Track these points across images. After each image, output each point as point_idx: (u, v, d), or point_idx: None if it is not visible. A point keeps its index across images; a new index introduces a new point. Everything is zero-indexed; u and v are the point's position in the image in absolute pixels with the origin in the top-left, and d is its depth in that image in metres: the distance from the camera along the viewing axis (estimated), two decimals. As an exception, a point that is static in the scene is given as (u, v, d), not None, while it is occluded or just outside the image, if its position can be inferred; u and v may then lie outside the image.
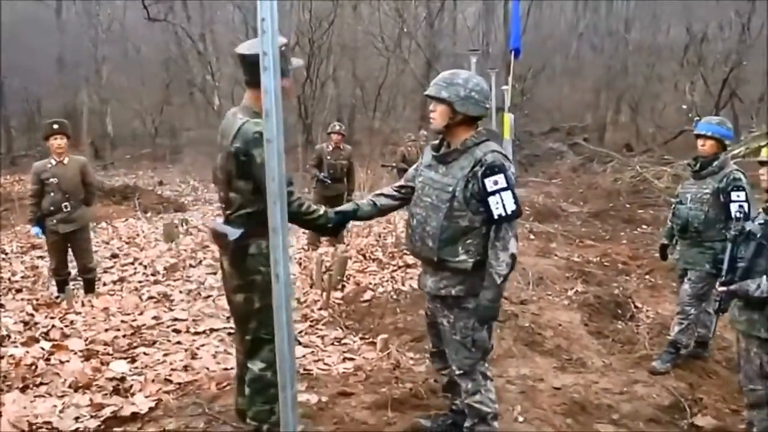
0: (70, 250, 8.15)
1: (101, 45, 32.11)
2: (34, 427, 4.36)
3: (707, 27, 27.84)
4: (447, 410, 4.44)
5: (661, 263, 7.66)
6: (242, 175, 3.69)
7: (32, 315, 6.91)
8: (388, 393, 4.90)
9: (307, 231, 9.39)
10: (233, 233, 3.74)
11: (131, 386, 5.02)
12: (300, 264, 9.27)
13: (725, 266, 4.16)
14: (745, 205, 5.34)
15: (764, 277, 3.90)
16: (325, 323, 6.90)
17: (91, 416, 4.49)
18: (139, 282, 9.02)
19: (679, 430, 4.84)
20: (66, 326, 6.50)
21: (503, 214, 3.60)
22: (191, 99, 34.01)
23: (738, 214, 5.06)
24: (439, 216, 3.72)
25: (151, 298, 7.92)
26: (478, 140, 3.74)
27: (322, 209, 3.96)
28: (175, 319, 6.84)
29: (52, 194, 7.80)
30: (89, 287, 8.26)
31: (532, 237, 11.77)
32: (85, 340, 6.02)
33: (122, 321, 6.69)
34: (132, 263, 10.32)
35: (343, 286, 8.07)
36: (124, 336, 6.24)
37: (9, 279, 9.15)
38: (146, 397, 4.81)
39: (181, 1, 31.02)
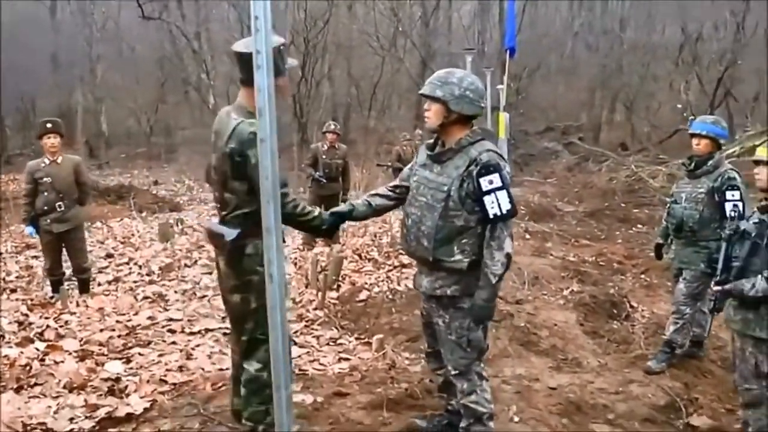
0: (64, 249, 8.12)
1: (96, 44, 32.04)
2: (28, 427, 4.34)
3: (702, 26, 27.89)
4: (442, 410, 4.43)
5: (656, 263, 7.67)
6: (237, 175, 3.68)
7: (27, 315, 6.89)
8: (384, 393, 4.89)
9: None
10: (230, 233, 3.72)
11: (126, 387, 5.00)
12: (295, 264, 9.26)
13: (720, 265, 4.16)
14: (740, 204, 5.34)
15: (759, 276, 3.89)
16: (320, 323, 6.89)
17: (86, 417, 4.48)
18: (134, 282, 8.99)
19: (674, 429, 4.85)
20: (61, 326, 6.49)
21: (498, 213, 3.60)
22: (186, 98, 34.00)
23: (733, 213, 5.04)
24: (435, 215, 3.71)
25: (146, 298, 7.89)
26: (473, 139, 3.74)
27: (316, 211, 3.96)
28: (170, 320, 6.82)
29: (45, 194, 7.78)
30: (84, 287, 8.23)
31: (527, 236, 11.76)
32: (80, 341, 6.00)
33: (117, 321, 6.66)
34: (127, 263, 10.30)
35: (339, 286, 8.05)
36: (119, 336, 6.22)
37: (3, 279, 9.11)
38: (141, 397, 4.80)
39: (175, -1, 31.03)
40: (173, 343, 6.14)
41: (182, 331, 6.48)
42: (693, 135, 5.75)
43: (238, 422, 4.13)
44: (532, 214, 14.06)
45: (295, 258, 9.65)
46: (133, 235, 13.18)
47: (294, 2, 26.85)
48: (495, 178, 3.61)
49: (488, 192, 3.60)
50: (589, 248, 10.97)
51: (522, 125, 25.53)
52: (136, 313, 6.99)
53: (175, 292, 8.22)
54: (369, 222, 10.50)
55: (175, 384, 5.11)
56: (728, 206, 5.34)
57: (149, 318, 6.81)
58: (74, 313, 6.99)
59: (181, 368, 5.45)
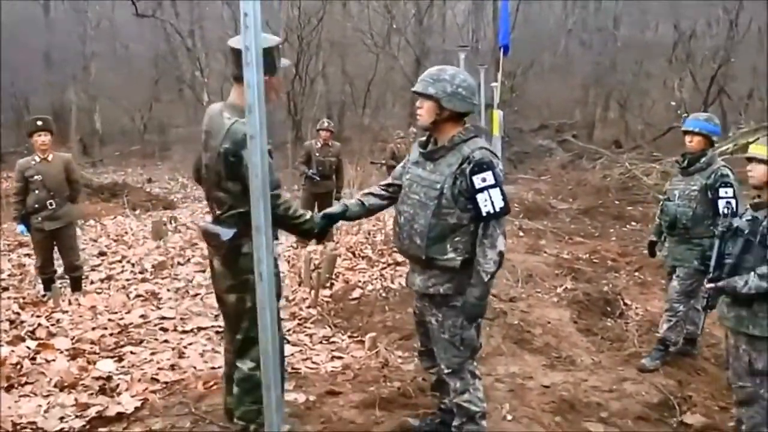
0: (56, 248, 8.09)
1: (90, 42, 31.93)
2: (18, 427, 4.33)
3: (695, 24, 27.94)
4: (435, 409, 4.41)
5: (650, 260, 7.66)
6: (231, 175, 3.66)
7: (18, 314, 6.87)
8: (377, 392, 4.88)
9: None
10: (226, 233, 3.71)
11: (117, 386, 4.98)
12: (288, 262, 9.24)
13: (713, 263, 4.15)
14: (733, 201, 5.34)
15: (752, 273, 3.89)
16: (313, 321, 6.87)
17: (76, 416, 4.45)
18: (127, 280, 8.96)
19: (668, 427, 4.85)
20: (52, 325, 6.46)
21: (491, 211, 3.58)
22: (180, 96, 33.97)
23: (726, 211, 5.05)
24: (427, 213, 3.69)
25: (138, 296, 7.87)
26: (466, 137, 3.72)
27: (308, 214, 3.94)
28: (163, 318, 6.80)
29: (36, 192, 7.75)
30: (76, 285, 8.21)
31: (521, 234, 11.77)
32: (72, 339, 5.98)
33: (109, 319, 6.65)
34: (120, 261, 10.27)
35: (332, 284, 8.04)
36: (111, 335, 6.20)
37: (-5, 277, 9.09)
38: (132, 396, 4.78)
39: (169, -2, 30.98)
40: (165, 341, 6.12)
41: (175, 330, 6.46)
42: (686, 132, 5.75)
43: (230, 421, 4.11)
44: (526, 212, 14.08)
45: (289, 256, 9.64)
46: (126, 233, 13.15)
47: (288, 0, 26.81)
48: (488, 175, 3.59)
49: (481, 190, 3.58)
50: (582, 246, 10.98)
51: (516, 123, 25.50)
52: (128, 312, 6.97)
53: (168, 290, 8.19)
54: (363, 220, 10.48)
55: (166, 383, 5.09)
56: (721, 203, 5.35)
57: (141, 316, 6.79)
58: (66, 312, 6.97)
59: (173, 367, 5.43)
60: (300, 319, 6.93)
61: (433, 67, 3.90)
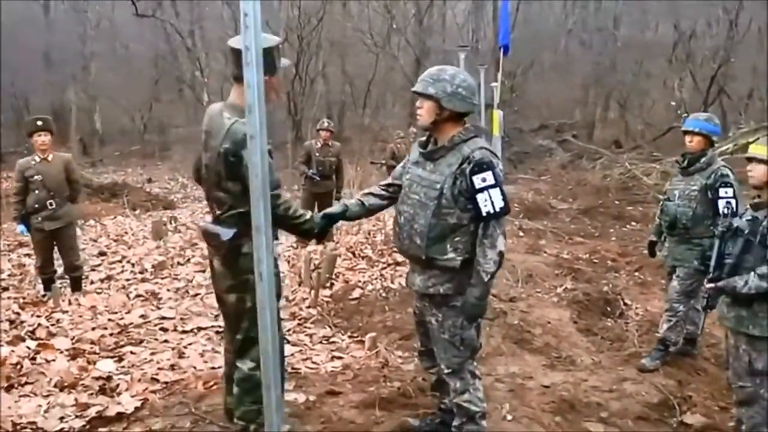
0: (56, 248, 8.09)
1: (90, 42, 31.94)
2: (18, 427, 4.32)
3: (695, 24, 27.94)
4: (435, 409, 4.41)
5: (650, 260, 7.66)
6: (232, 176, 3.66)
7: (18, 314, 6.87)
8: (376, 392, 4.88)
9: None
10: (226, 233, 3.70)
11: (117, 386, 4.98)
12: (289, 262, 9.24)
13: (713, 263, 4.15)
14: (733, 201, 5.34)
15: (752, 273, 3.89)
16: (313, 321, 6.87)
17: (76, 416, 4.45)
18: (127, 280, 8.96)
19: (668, 427, 4.84)
20: (52, 325, 6.46)
21: (491, 211, 3.58)
22: (180, 95, 33.95)
23: (725, 211, 5.05)
24: (427, 213, 3.69)
25: (138, 296, 7.87)
26: (466, 137, 3.72)
27: (308, 214, 3.93)
28: (163, 318, 6.79)
29: (36, 192, 7.74)
30: (76, 285, 8.21)
31: (521, 234, 11.77)
32: (72, 339, 5.98)
33: (109, 319, 6.64)
34: (120, 261, 10.27)
35: (332, 284, 8.04)
36: (111, 335, 6.20)
37: (-4, 277, 9.09)
38: (132, 396, 4.77)
39: (169, -2, 30.97)
40: (165, 341, 6.12)
41: (174, 330, 6.46)
42: (686, 132, 5.75)
43: (230, 421, 4.10)
44: (526, 212, 14.07)
45: (289, 256, 9.64)
46: (126, 233, 13.16)
47: (288, 0, 26.81)
48: (488, 175, 3.59)
49: (481, 190, 3.58)
50: (582, 246, 10.98)
51: (516, 123, 25.49)
52: (128, 312, 6.96)
53: (168, 290, 8.18)
54: (363, 219, 10.48)
55: (166, 383, 5.09)
56: (721, 203, 5.35)
57: (141, 316, 6.79)
58: (66, 312, 6.97)
59: (173, 367, 5.43)
60: (300, 319, 6.92)
61: (433, 67, 3.90)
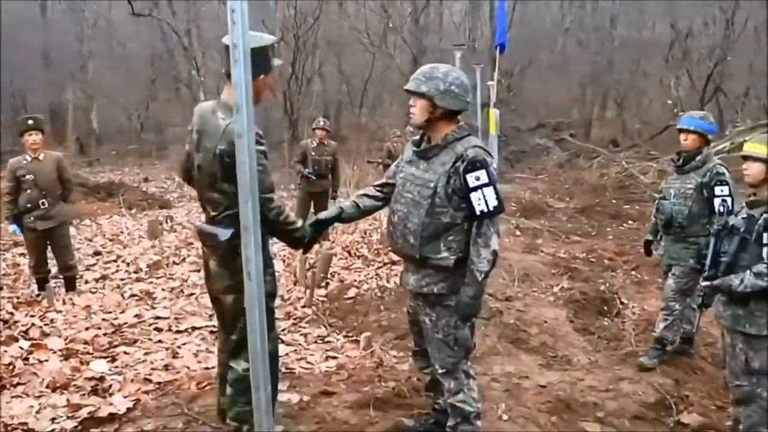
0: (49, 247, 8.06)
1: (87, 41, 31.94)
2: (9, 428, 4.29)
3: (692, 23, 27.97)
4: (430, 409, 4.38)
5: (647, 259, 7.64)
6: (227, 177, 3.62)
7: (12, 313, 6.83)
8: (371, 392, 4.86)
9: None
10: (223, 234, 3.67)
11: (110, 386, 4.95)
12: (284, 261, 9.21)
13: (708, 261, 4.13)
14: (729, 199, 5.33)
15: (748, 272, 3.87)
16: (308, 321, 6.85)
17: (68, 417, 4.42)
18: (122, 280, 8.95)
19: (665, 427, 4.82)
20: (46, 325, 6.44)
21: (485, 210, 3.55)
22: (177, 95, 33.90)
23: (721, 209, 5.05)
24: (421, 212, 3.66)
25: (133, 296, 7.85)
26: (460, 135, 3.69)
27: (299, 222, 3.90)
28: (157, 318, 6.78)
29: (28, 191, 7.71)
30: (70, 285, 8.18)
31: (518, 233, 11.75)
32: (65, 339, 5.96)
33: (103, 319, 6.62)
34: (115, 261, 10.26)
35: (327, 283, 8.01)
36: (104, 334, 6.18)
37: (-10, 277, 9.06)
38: (125, 397, 4.74)
39: (166, -3, 30.93)
40: (159, 341, 6.10)
41: (169, 330, 6.44)
42: (681, 130, 5.73)
43: (223, 422, 4.07)
44: (522, 211, 14.04)
45: (284, 255, 9.61)
46: (122, 232, 13.14)
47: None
48: (482, 174, 3.56)
49: (475, 188, 3.55)
50: (579, 245, 10.96)
51: (513, 122, 25.53)
52: (122, 311, 6.95)
53: (163, 289, 8.17)
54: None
55: (159, 383, 5.06)
56: (717, 202, 5.34)
57: (136, 316, 6.77)
58: (60, 311, 6.95)
59: (166, 367, 5.41)
60: (295, 319, 6.91)
61: (426, 65, 3.87)
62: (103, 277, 9.13)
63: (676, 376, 5.56)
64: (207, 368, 5.30)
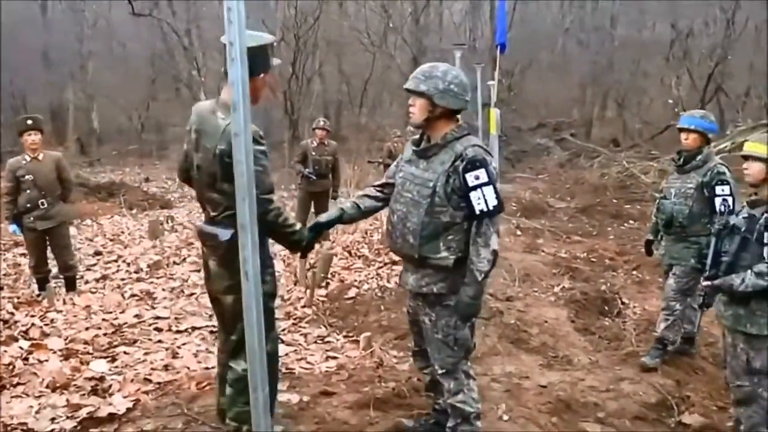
0: (50, 247, 8.06)
1: (87, 41, 31.95)
2: (8, 428, 4.29)
3: (692, 22, 27.94)
4: (430, 410, 4.37)
5: (648, 259, 7.63)
6: (227, 177, 3.61)
7: (12, 313, 6.82)
8: (371, 392, 4.85)
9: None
10: (224, 234, 3.66)
11: (110, 386, 4.94)
12: (284, 261, 9.20)
13: (709, 261, 4.13)
14: (730, 199, 5.32)
15: (749, 271, 3.86)
16: (308, 321, 6.84)
17: (67, 417, 4.42)
18: (122, 279, 8.94)
19: (666, 427, 4.81)
20: (46, 325, 6.43)
21: (485, 209, 3.53)
22: (177, 95, 33.88)
23: (722, 208, 5.03)
24: (420, 212, 3.65)
25: (133, 295, 7.84)
26: (459, 134, 3.68)
27: (298, 225, 3.89)
28: (157, 318, 6.77)
29: (28, 191, 7.71)
30: (70, 285, 8.18)
31: (518, 233, 11.74)
32: (65, 339, 5.95)
33: (103, 319, 6.61)
34: (116, 260, 10.25)
35: (328, 283, 8.00)
36: (104, 334, 6.17)
37: (-9, 277, 9.06)
38: (124, 397, 4.74)
39: (166, -3, 30.93)
40: (159, 341, 6.09)
41: (169, 329, 6.43)
42: (681, 130, 5.72)
43: (223, 422, 4.06)
44: (523, 211, 14.04)
45: (285, 255, 9.59)
46: (122, 232, 13.13)
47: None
48: (481, 173, 3.55)
49: (474, 188, 3.54)
50: (580, 244, 10.95)
51: (514, 122, 25.51)
52: (122, 311, 6.94)
53: (163, 289, 8.16)
54: (359, 219, 10.44)
55: (159, 383, 5.06)
56: (718, 201, 5.33)
57: (136, 316, 6.76)
58: (60, 311, 6.94)
59: (166, 367, 5.40)
60: (295, 319, 6.90)
61: (425, 64, 3.86)
62: (104, 277, 9.13)
63: (677, 377, 5.55)
64: (207, 368, 5.29)
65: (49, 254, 8.12)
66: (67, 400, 4.62)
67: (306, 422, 4.43)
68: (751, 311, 3.93)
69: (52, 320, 6.61)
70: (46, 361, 5.37)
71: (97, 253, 10.88)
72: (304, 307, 7.19)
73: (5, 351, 5.44)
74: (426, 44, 28.51)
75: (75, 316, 6.79)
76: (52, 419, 4.39)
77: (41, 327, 6.30)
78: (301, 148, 11.18)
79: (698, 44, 27.92)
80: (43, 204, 7.73)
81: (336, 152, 11.18)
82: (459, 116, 3.78)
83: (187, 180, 4.07)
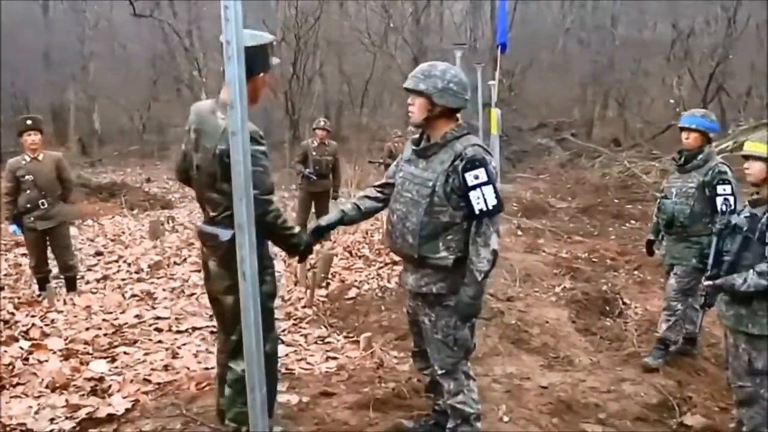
0: (50, 247, 8.05)
1: (88, 42, 32.08)
2: (7, 428, 4.28)
3: (694, 22, 27.94)
4: (430, 410, 4.36)
5: (649, 259, 7.62)
6: (227, 177, 3.59)
7: (13, 314, 6.82)
8: (371, 393, 4.83)
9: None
10: (224, 234, 3.64)
11: (109, 387, 4.93)
12: (284, 261, 9.18)
13: (711, 260, 4.11)
14: (731, 198, 5.30)
15: (751, 271, 3.85)
16: (308, 321, 6.82)
17: (67, 417, 4.40)
18: (123, 280, 8.93)
19: (667, 428, 4.79)
20: (46, 325, 6.42)
21: (484, 209, 3.52)
22: (178, 95, 33.91)
23: (724, 208, 5.02)
24: (420, 211, 3.63)
25: (134, 296, 7.83)
26: (459, 134, 3.66)
27: (297, 229, 3.87)
28: (158, 318, 6.76)
29: (28, 191, 7.70)
30: (71, 285, 8.17)
31: (519, 233, 11.72)
32: (65, 340, 5.94)
33: (104, 320, 6.61)
34: (116, 261, 10.25)
35: (328, 283, 7.99)
36: (105, 335, 6.16)
37: (-9, 277, 9.05)
38: (124, 397, 4.73)
39: (167, -3, 30.98)
40: (159, 341, 6.08)
41: (169, 330, 6.42)
42: (682, 129, 5.70)
43: (222, 423, 4.05)
44: (524, 211, 14.00)
45: (285, 255, 9.56)
46: (123, 232, 13.14)
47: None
48: (481, 173, 3.53)
49: (474, 187, 3.52)
50: (581, 245, 10.93)
51: (514, 121, 25.51)
52: (123, 312, 6.93)
53: (164, 290, 8.15)
54: (360, 219, 10.42)
55: (159, 384, 5.04)
56: (719, 200, 5.31)
57: (136, 316, 6.75)
58: (61, 312, 6.94)
59: (166, 367, 5.38)
60: (295, 319, 6.88)
61: (424, 63, 3.85)
62: (105, 278, 9.12)
63: (678, 377, 5.52)
64: (207, 369, 5.28)
65: (50, 254, 8.11)
66: (67, 401, 4.61)
67: (306, 423, 4.42)
68: (753, 311, 3.92)
69: (52, 320, 6.60)
70: (46, 361, 5.36)
71: (98, 254, 10.88)
72: (304, 307, 7.17)
73: (5, 351, 5.43)
74: (427, 44, 28.56)
75: (75, 316, 6.78)
76: (51, 420, 4.38)
77: (41, 327, 6.29)
78: (302, 148, 11.17)
79: (699, 43, 27.94)
80: (43, 204, 7.73)
81: (336, 152, 11.17)
82: (459, 115, 3.77)
83: (185, 180, 4.06)
